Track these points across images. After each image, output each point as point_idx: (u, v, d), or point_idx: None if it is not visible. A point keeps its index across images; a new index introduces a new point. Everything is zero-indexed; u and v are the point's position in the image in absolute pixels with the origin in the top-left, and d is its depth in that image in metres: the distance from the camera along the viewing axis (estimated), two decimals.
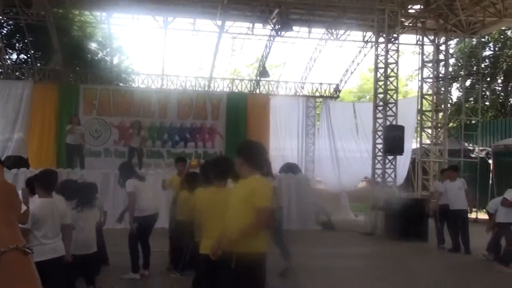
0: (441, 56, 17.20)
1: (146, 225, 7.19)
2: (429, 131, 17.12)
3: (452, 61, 21.58)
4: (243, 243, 3.80)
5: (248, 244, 3.79)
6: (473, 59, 21.65)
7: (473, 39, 19.61)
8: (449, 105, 19.09)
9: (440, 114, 17.28)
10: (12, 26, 19.23)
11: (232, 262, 3.77)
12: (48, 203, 4.51)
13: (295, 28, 16.57)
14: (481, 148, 17.19)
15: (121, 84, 19.08)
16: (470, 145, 17.71)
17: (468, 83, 22.49)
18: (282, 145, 17.46)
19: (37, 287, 1.06)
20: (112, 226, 10.70)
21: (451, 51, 20.25)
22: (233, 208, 4.00)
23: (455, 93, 25.97)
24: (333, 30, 17.42)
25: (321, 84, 19.20)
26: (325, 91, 19.16)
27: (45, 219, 4.41)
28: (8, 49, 19.09)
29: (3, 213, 1.13)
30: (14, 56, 20.51)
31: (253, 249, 3.79)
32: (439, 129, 17.01)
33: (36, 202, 4.52)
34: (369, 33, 17.26)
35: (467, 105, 19.32)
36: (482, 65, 19.89)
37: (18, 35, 19.18)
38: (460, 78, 20.97)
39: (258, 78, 19.23)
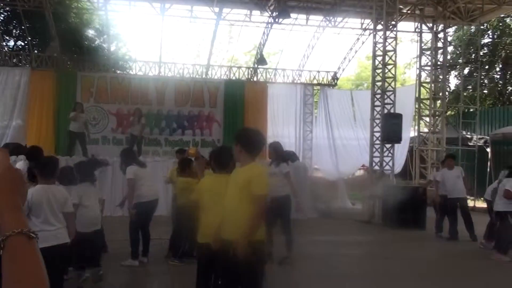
0: (440, 44, 17.19)
1: (145, 211, 7.23)
2: (427, 119, 17.15)
3: (450, 48, 21.57)
4: (241, 231, 3.83)
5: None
6: (471, 47, 21.59)
7: (472, 27, 19.55)
8: (447, 93, 19.08)
9: (438, 102, 17.29)
10: (9, 13, 19.13)
11: (231, 250, 3.80)
12: (43, 189, 4.51)
13: (292, 15, 16.50)
14: (479, 136, 17.22)
15: (118, 72, 19.02)
16: (468, 133, 17.75)
17: (466, 71, 22.47)
18: (280, 132, 17.45)
19: (42, 270, 1.08)
20: (111, 213, 10.76)
21: (449, 38, 20.24)
22: (231, 195, 4.03)
23: (453, 81, 26.02)
24: (331, 17, 17.35)
25: (318, 71, 19.17)
26: (323, 78, 19.12)
27: (41, 205, 4.41)
28: (5, 36, 18.99)
29: (9, 197, 1.16)
30: (12, 43, 20.44)
31: (252, 237, 3.82)
32: (437, 117, 17.04)
33: (31, 188, 4.54)
34: (367, 21, 17.18)
35: (465, 93, 19.31)
36: (481, 53, 19.84)
37: (15, 22, 19.11)
38: (458, 66, 20.96)
39: (256, 65, 19.18)
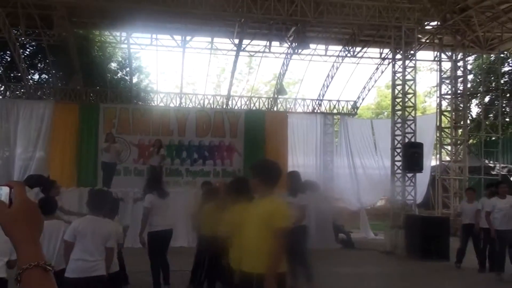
0: (459, 72, 17.12)
1: (157, 240, 7.28)
2: (449, 148, 16.97)
3: (470, 77, 21.45)
4: (263, 264, 3.80)
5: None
6: (491, 75, 21.46)
7: (492, 55, 19.48)
8: (468, 121, 18.90)
9: (460, 130, 17.13)
10: (34, 47, 19.66)
11: (253, 283, 3.77)
12: (91, 220, 4.66)
13: (312, 45, 16.66)
14: (502, 165, 16.95)
15: (140, 103, 19.31)
16: (491, 162, 17.49)
17: (487, 99, 22.30)
18: (300, 162, 17.40)
19: None
20: (132, 244, 10.74)
21: (469, 67, 20.14)
22: (251, 228, 3.99)
23: (474, 109, 25.76)
24: (350, 47, 17.47)
25: (338, 101, 19.21)
26: (342, 108, 19.15)
27: (85, 235, 4.54)
28: (30, 70, 19.48)
29: (26, 230, 1.18)
30: (36, 76, 20.93)
31: (276, 270, 3.78)
32: (458, 146, 16.85)
33: (80, 218, 4.72)
34: (386, 50, 17.25)
35: (487, 122, 19.10)
36: (501, 81, 19.69)
37: (40, 56, 19.59)
38: (479, 94, 20.81)
39: (276, 95, 19.31)
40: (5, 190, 1.22)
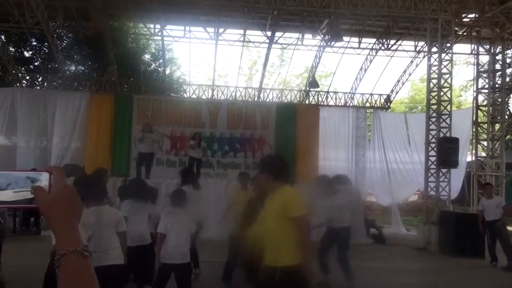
0: (498, 66, 16.64)
1: None
2: (485, 143, 16.57)
3: (509, 71, 20.85)
4: (284, 256, 3.83)
5: (289, 257, 3.81)
6: None
7: None
8: (506, 116, 18.38)
9: (497, 125, 16.69)
10: (70, 39, 20.05)
11: (276, 276, 3.80)
12: (94, 211, 4.62)
13: (345, 38, 16.46)
14: None
15: (172, 95, 19.49)
16: None
17: None
18: (332, 156, 17.31)
19: (94, 287, 1.12)
20: None
21: (508, 60, 19.57)
22: (268, 223, 4.02)
23: None
24: (384, 40, 17.21)
25: (371, 94, 18.98)
26: (375, 101, 18.91)
27: (89, 226, 4.51)
28: (67, 61, 19.88)
29: (64, 216, 1.19)
30: (73, 68, 21.36)
31: (294, 262, 3.80)
32: (495, 141, 16.43)
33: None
34: (421, 43, 16.92)
35: None
36: None
37: (76, 47, 19.96)
38: None
39: (308, 88, 19.20)
40: (45, 175, 1.25)
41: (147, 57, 22.41)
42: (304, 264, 3.77)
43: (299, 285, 3.78)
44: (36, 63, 20.58)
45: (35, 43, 20.50)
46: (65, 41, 20.44)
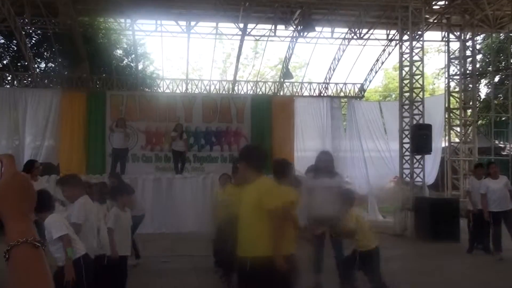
0: (468, 52, 16.90)
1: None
2: (458, 129, 16.83)
3: (479, 57, 21.20)
4: (256, 247, 3.87)
5: (262, 248, 3.83)
6: (501, 54, 21.19)
7: (501, 34, 19.20)
8: (477, 102, 18.69)
9: (469, 111, 16.97)
10: (40, 36, 19.64)
11: (247, 266, 3.84)
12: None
13: (317, 28, 16.47)
14: None
15: (146, 90, 19.29)
16: (501, 142, 17.34)
17: (497, 79, 22.04)
18: (308, 146, 17.34)
19: (46, 280, 1.06)
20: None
21: (478, 46, 19.88)
22: (244, 214, 4.02)
23: (484, 89, 25.50)
24: (356, 29, 17.28)
25: (345, 84, 19.07)
26: (349, 91, 19.01)
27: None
28: (36, 58, 19.49)
29: (14, 205, 1.13)
30: (43, 65, 20.95)
31: (266, 253, 3.81)
32: (468, 127, 16.71)
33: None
34: (393, 31, 17.05)
35: (496, 102, 18.89)
36: (511, 60, 19.40)
37: (45, 45, 19.58)
38: (488, 74, 20.58)
39: (282, 79, 19.20)
40: None
41: (119, 52, 22.09)
42: (273, 256, 3.78)
43: (269, 276, 3.78)
44: (4, 61, 20.11)
45: (3, 41, 20.03)
46: (34, 38, 20.03)
